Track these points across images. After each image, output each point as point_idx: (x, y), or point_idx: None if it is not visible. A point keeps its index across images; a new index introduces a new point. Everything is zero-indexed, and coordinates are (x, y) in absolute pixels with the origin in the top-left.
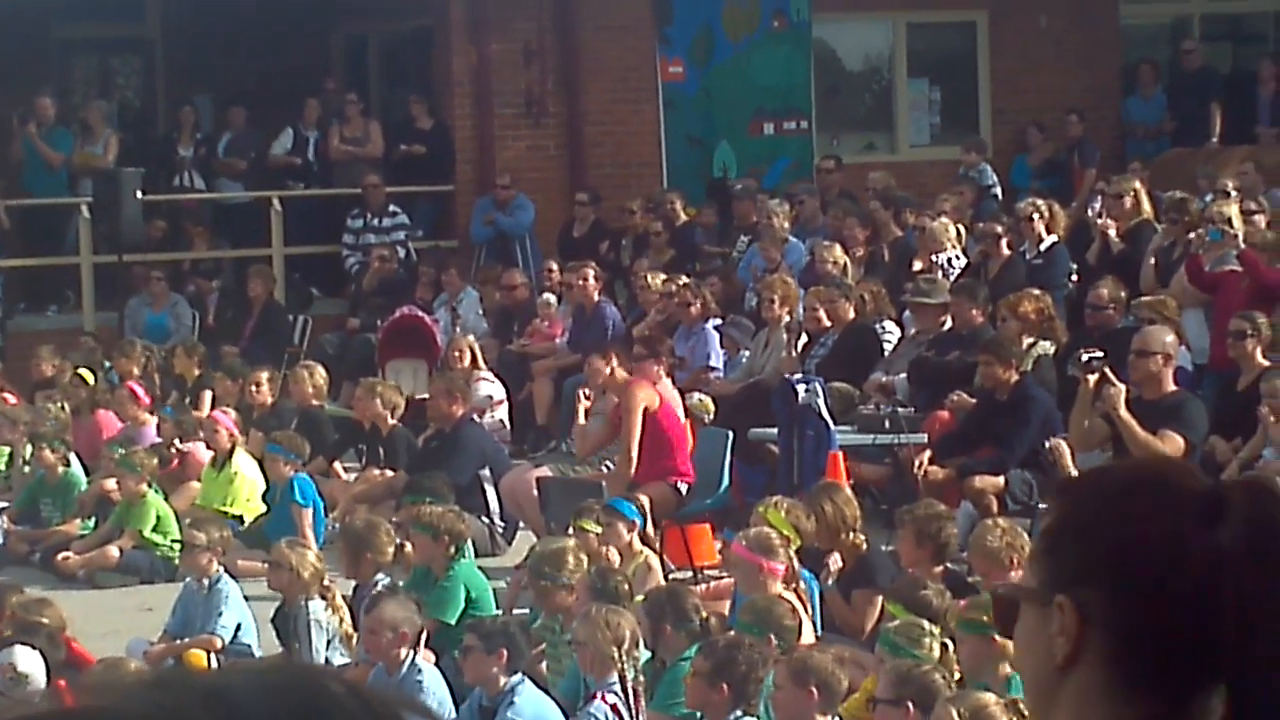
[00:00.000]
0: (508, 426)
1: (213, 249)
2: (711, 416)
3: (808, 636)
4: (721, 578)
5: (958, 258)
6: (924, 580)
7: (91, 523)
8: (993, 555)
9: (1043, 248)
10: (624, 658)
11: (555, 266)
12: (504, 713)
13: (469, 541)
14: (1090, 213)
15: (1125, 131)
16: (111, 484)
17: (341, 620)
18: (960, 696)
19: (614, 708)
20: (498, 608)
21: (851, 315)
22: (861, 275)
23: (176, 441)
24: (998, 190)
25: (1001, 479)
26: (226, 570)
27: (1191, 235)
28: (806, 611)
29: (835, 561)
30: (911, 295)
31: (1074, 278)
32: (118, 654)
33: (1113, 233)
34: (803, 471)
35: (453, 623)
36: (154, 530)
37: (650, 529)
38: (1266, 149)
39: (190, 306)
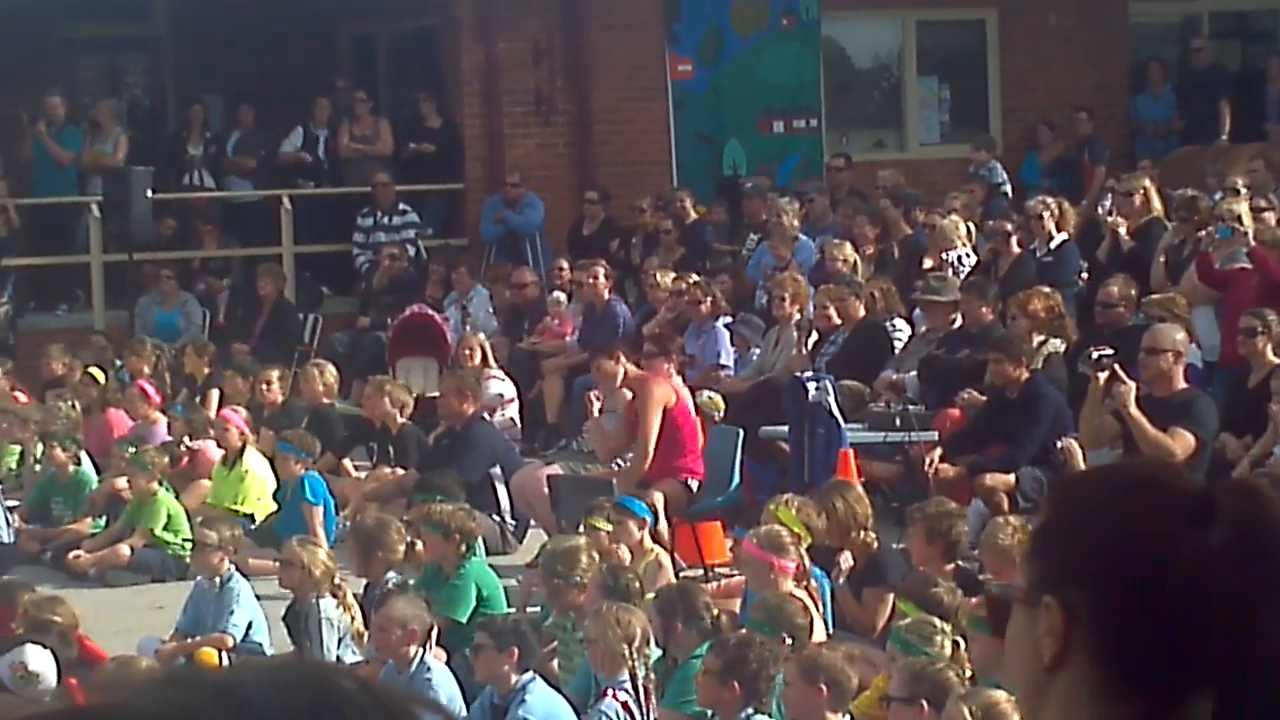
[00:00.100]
0: (518, 425)
1: (223, 247)
2: (721, 414)
3: (819, 635)
4: (732, 575)
5: (968, 255)
6: (935, 578)
7: (102, 521)
8: (1004, 553)
9: (1053, 245)
10: (635, 655)
11: (565, 264)
12: (515, 710)
13: (480, 540)
14: (1100, 210)
15: (1135, 129)
16: (122, 482)
17: (353, 618)
18: (972, 694)
19: (625, 705)
20: (509, 606)
21: (862, 313)
22: (871, 273)
23: (187, 440)
24: (1008, 188)
25: (1012, 476)
26: (237, 568)
27: (1202, 233)
28: (818, 609)
29: (846, 560)
30: (922, 293)
31: (1084, 275)
32: (129, 652)
33: (1123, 230)
34: (813, 469)
35: (464, 621)
36: (165, 529)
37: (664, 526)
38: (1276, 146)
39: (200, 305)
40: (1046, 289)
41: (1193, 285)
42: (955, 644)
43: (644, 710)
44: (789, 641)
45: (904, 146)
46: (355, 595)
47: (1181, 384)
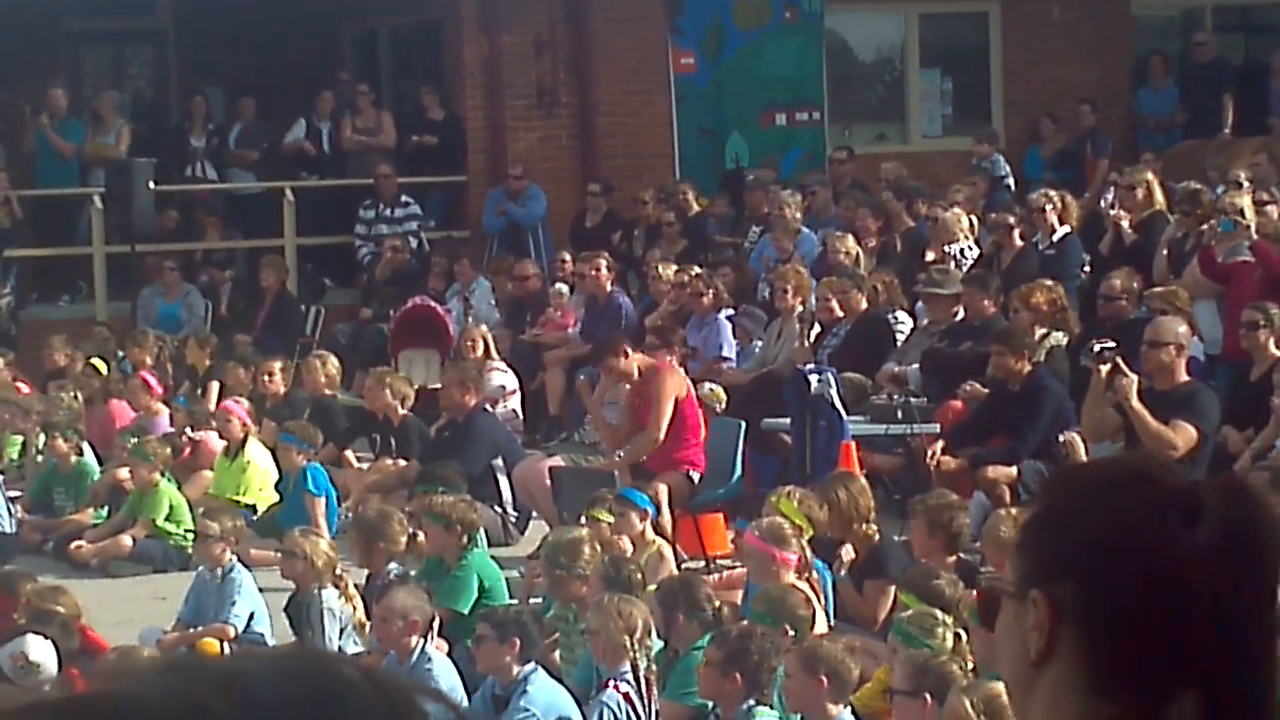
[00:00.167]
0: (520, 416)
1: (225, 239)
2: (723, 406)
3: (820, 627)
4: (734, 567)
5: (970, 248)
6: (937, 570)
7: (104, 512)
8: (1005, 545)
9: (1055, 238)
10: (636, 647)
11: (568, 257)
12: (517, 702)
13: (481, 531)
14: (1103, 204)
15: (1137, 123)
16: (124, 473)
17: (355, 609)
18: (973, 686)
19: (626, 696)
20: (510, 597)
21: (864, 306)
22: (874, 266)
23: (189, 430)
24: (1010, 181)
25: (1014, 469)
26: (239, 559)
27: (1204, 226)
28: (820, 601)
29: (847, 553)
30: (924, 286)
31: (1086, 268)
32: (131, 643)
33: (1125, 224)
34: (815, 461)
35: (465, 612)
36: (167, 519)
37: (666, 517)
38: (1279, 140)
39: (203, 297)
40: (1049, 282)
41: (1195, 278)
42: (957, 636)
43: (645, 701)
44: (791, 633)
45: (906, 139)
46: (357, 586)
47: (1183, 377)
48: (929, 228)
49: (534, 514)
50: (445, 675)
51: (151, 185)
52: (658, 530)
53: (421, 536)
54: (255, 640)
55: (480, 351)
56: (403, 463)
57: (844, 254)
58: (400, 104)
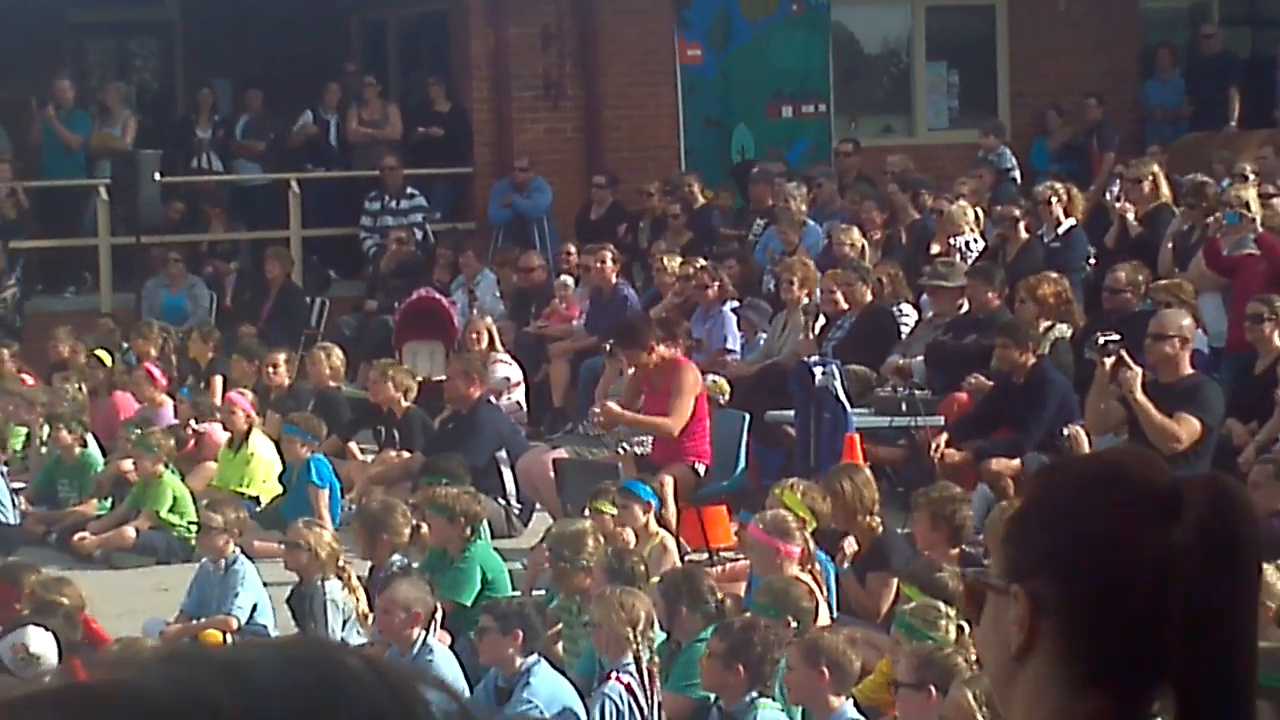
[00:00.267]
0: (524, 408)
1: (230, 231)
2: (727, 398)
3: (823, 619)
4: (737, 559)
5: (976, 241)
6: (940, 563)
7: (108, 503)
8: None
9: (1061, 231)
10: (639, 639)
11: (573, 249)
12: (520, 693)
13: (485, 523)
14: (1109, 196)
15: (1144, 115)
16: (128, 465)
17: (358, 601)
18: (976, 679)
19: (629, 688)
20: (514, 589)
21: (869, 298)
22: (879, 258)
23: (193, 422)
24: (1016, 173)
25: (1018, 462)
26: (243, 551)
27: (1210, 219)
28: (823, 594)
29: (850, 545)
30: (929, 278)
31: (1092, 261)
32: (134, 634)
33: (1131, 216)
34: (819, 454)
35: (469, 604)
36: (170, 511)
37: (670, 509)
38: None
39: (208, 288)
40: (1054, 274)
41: (1200, 271)
42: (959, 628)
43: (648, 693)
44: (794, 625)
45: (912, 132)
46: (360, 578)
47: (1188, 370)
48: (934, 220)
49: (537, 506)
50: (447, 667)
51: (157, 177)
52: (661, 522)
53: (425, 528)
54: (258, 632)
55: (485, 343)
56: (406, 455)
57: (849, 246)
58: (406, 96)
